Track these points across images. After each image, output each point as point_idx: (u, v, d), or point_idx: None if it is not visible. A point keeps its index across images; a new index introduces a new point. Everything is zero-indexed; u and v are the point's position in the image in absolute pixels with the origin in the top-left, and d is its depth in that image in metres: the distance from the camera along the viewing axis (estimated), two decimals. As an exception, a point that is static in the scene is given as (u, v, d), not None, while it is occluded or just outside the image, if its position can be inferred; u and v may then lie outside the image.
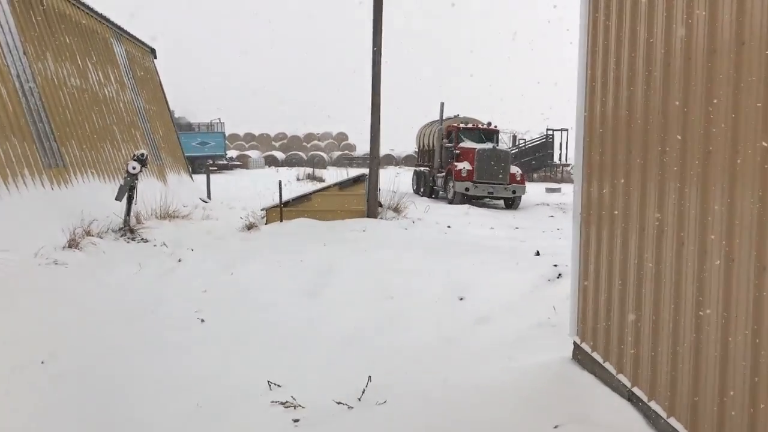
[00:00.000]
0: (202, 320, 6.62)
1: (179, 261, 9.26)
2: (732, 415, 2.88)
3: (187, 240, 11.36)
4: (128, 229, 11.02)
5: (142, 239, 10.90)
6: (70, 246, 9.26)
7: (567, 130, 41.72)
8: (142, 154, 10.97)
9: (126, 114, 16.41)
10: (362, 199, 13.59)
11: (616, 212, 4.07)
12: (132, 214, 11.42)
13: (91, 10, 15.58)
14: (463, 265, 8.28)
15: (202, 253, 9.99)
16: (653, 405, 3.58)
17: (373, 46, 13.62)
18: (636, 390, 3.81)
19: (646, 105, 3.70)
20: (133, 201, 11.28)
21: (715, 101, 3.00)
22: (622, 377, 4.00)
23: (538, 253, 8.97)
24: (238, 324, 6.52)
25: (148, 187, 14.77)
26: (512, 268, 7.68)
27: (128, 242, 10.66)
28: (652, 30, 3.62)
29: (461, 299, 6.75)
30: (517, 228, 14.37)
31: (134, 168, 10.75)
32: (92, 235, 10.13)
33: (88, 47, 14.80)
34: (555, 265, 7.19)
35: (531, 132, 44.26)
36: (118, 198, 10.95)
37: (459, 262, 8.58)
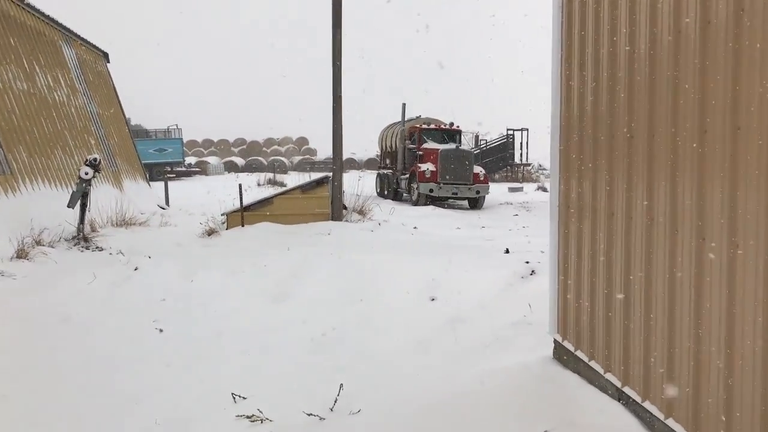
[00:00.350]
0: (161, 330, 6.25)
1: (136, 269, 8.83)
2: (738, 416, 2.67)
3: (144, 247, 10.89)
4: (82, 238, 10.53)
5: (96, 248, 10.41)
6: (18, 257, 8.77)
7: (527, 129, 42.10)
8: (95, 159, 10.49)
9: (78, 119, 15.81)
10: (326, 201, 13.28)
11: (598, 203, 3.87)
12: (86, 222, 10.92)
13: (38, 11, 14.96)
14: (432, 265, 8.04)
15: (160, 260, 9.55)
16: (648, 405, 3.36)
17: (333, 44, 13.33)
18: (627, 390, 3.59)
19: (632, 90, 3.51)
20: (87, 208, 10.78)
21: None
22: (610, 376, 3.78)
23: (507, 251, 8.78)
24: (199, 333, 6.17)
25: (103, 194, 14.23)
26: (483, 267, 7.46)
27: (82, 251, 10.17)
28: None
29: (433, 299, 6.51)
30: (483, 227, 14.22)
31: (87, 173, 10.26)
32: (43, 245, 9.64)
33: (35, 50, 14.19)
34: (527, 262, 7.01)
35: (491, 133, 44.54)
36: (70, 205, 10.45)
37: (428, 262, 8.33)
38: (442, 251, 9.47)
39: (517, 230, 13.56)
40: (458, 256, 8.71)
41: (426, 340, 5.44)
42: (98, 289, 7.78)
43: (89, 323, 6.37)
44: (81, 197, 10.54)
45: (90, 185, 10.60)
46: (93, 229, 11.75)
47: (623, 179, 3.54)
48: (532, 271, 6.60)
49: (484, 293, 6.29)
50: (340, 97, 13.48)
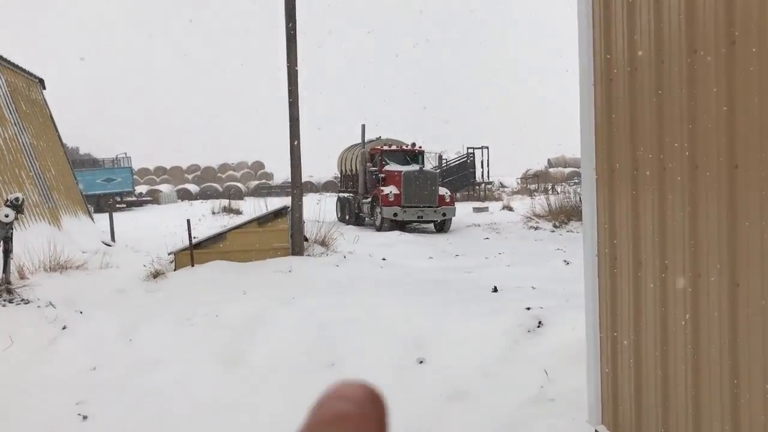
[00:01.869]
0: (84, 417, 5.00)
1: (64, 328, 7.53)
2: None
3: (79, 296, 9.56)
4: (5, 290, 9.13)
5: (22, 300, 9.02)
6: None
7: (487, 147, 41.52)
8: (17, 198, 9.14)
9: (7, 152, 14.34)
10: (285, 234, 12.09)
11: (672, 259, 2.81)
12: (10, 270, 9.53)
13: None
14: (413, 311, 6.94)
15: (95, 314, 8.25)
16: None
17: (288, 63, 12.24)
18: None
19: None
20: (10, 254, 9.40)
21: None
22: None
23: (495, 289, 7.74)
24: (133, 418, 4.94)
25: (36, 235, 12.80)
26: (474, 313, 6.38)
27: (4, 305, 8.77)
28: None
29: (421, 362, 5.38)
30: (457, 255, 13.20)
31: (7, 216, 8.91)
32: (-45, 301, 8.26)
33: (-45, 77, 12.77)
34: (528, 308, 5.94)
35: (448, 151, 43.89)
36: (-12, 253, 9.07)
37: (406, 305, 7.24)
38: (419, 290, 8.39)
39: (494, 258, 12.57)
40: (440, 297, 7.64)
41: (422, 429, 4.30)
42: (14, 358, 6.47)
43: (-6, 412, 5.08)
44: (2, 243, 9.17)
45: (12, 228, 9.24)
46: (21, 276, 10.33)
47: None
48: (539, 323, 5.53)
49: (485, 354, 5.20)
50: (297, 119, 12.37)
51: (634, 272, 3.07)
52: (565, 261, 10.98)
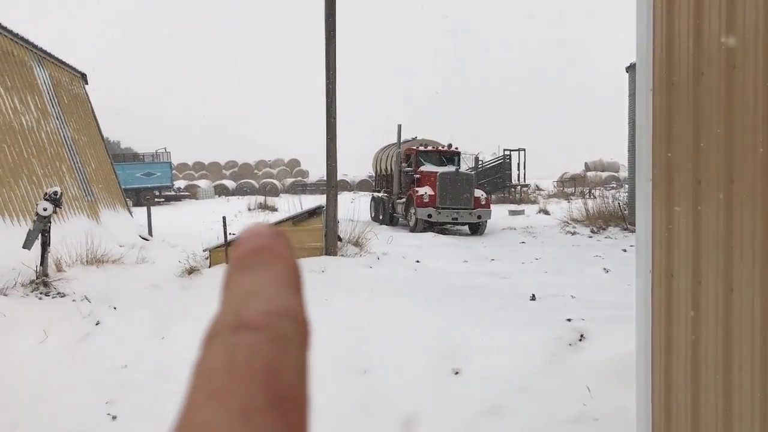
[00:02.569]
0: (114, 417, 4.94)
1: (97, 324, 7.52)
2: None
3: (114, 291, 9.61)
4: (41, 282, 9.19)
5: (58, 293, 9.09)
6: (-41, 310, 7.46)
7: (524, 149, 41.09)
8: (55, 193, 9.20)
9: (49, 145, 14.53)
10: (319, 234, 12.00)
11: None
12: (48, 263, 9.60)
13: (6, 30, 13.74)
14: (447, 316, 6.77)
15: (128, 310, 8.25)
16: None
17: (327, 61, 12.14)
18: None
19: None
20: (48, 248, 9.47)
21: None
22: None
23: (533, 297, 7.52)
24: (162, 419, 4.85)
25: (74, 228, 12.93)
26: (511, 322, 6.19)
27: (40, 299, 8.85)
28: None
29: (456, 373, 5.19)
30: (492, 260, 12.96)
31: (45, 209, 8.97)
32: (-7, 293, 8.32)
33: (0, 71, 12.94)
34: (568, 320, 5.73)
35: (484, 152, 43.52)
36: (26, 246, 9.14)
37: (441, 312, 7.07)
38: (453, 295, 8.22)
39: (530, 263, 12.31)
40: (475, 303, 7.46)
41: (458, 444, 4.14)
42: (46, 353, 6.47)
43: (22, 407, 5.05)
44: (41, 236, 9.24)
45: (50, 222, 9.30)
46: (59, 269, 10.43)
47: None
48: (581, 336, 5.32)
49: (523, 367, 5.00)
50: (335, 118, 12.26)
51: (693, 291, 2.86)
52: (604, 269, 10.69)
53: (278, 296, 0.35)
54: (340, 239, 12.57)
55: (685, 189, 2.92)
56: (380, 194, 25.67)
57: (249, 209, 32.69)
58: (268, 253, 0.38)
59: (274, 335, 0.32)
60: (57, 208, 9.36)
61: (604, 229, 18.97)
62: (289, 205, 17.90)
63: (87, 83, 19.79)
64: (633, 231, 18.33)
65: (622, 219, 19.41)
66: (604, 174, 58.31)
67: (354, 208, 18.75)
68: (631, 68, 19.45)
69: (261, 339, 0.32)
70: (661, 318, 3.13)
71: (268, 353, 0.32)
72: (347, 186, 58.47)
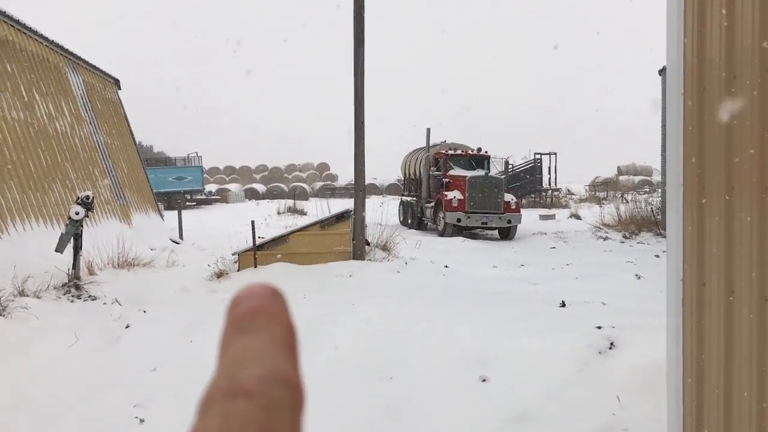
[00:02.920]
0: (141, 420, 4.98)
1: (127, 327, 7.60)
2: None
3: (144, 294, 9.72)
4: (73, 285, 9.33)
5: (89, 296, 9.22)
6: (-7, 312, 7.59)
7: (555, 154, 40.69)
8: (87, 197, 9.34)
9: (82, 150, 14.78)
10: (347, 238, 12.00)
11: None
12: (79, 266, 9.75)
13: (42, 37, 14.02)
14: (474, 323, 6.71)
15: (158, 313, 8.33)
16: None
17: (355, 65, 12.15)
18: None
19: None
20: (80, 251, 9.62)
21: None
22: None
23: (563, 304, 7.42)
24: (190, 424, 4.88)
25: (105, 231, 13.14)
26: (540, 329, 6.10)
27: (72, 301, 8.99)
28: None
29: (484, 380, 5.13)
30: (522, 265, 12.83)
31: (77, 213, 9.11)
32: (27, 296, 8.45)
33: (36, 77, 13.21)
34: (598, 327, 5.62)
35: (514, 156, 43.20)
36: (59, 249, 9.29)
37: (468, 318, 7.00)
38: (482, 301, 8.14)
39: (561, 269, 12.17)
40: (504, 309, 7.38)
41: (484, 454, 4.09)
42: (77, 355, 6.55)
43: (53, 408, 5.12)
44: (73, 239, 9.39)
45: (82, 226, 9.44)
46: (91, 272, 10.59)
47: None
48: (611, 344, 5.21)
49: (552, 376, 4.92)
50: (363, 122, 12.26)
51: (726, 301, 2.78)
52: (636, 275, 10.50)
53: (273, 361, 0.35)
54: (368, 243, 12.55)
55: (717, 195, 2.84)
56: (409, 198, 25.64)
57: (278, 213, 32.85)
58: (265, 315, 0.38)
59: (267, 402, 0.33)
60: (89, 212, 9.50)
61: (636, 235, 18.68)
62: (318, 209, 17.99)
63: (120, 88, 20.11)
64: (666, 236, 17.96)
65: (656, 224, 19.10)
66: (637, 178, 57.52)
67: (382, 211, 18.75)
68: (663, 71, 19.14)
69: (254, 406, 0.33)
70: (693, 328, 3.05)
71: (261, 420, 0.32)
72: (376, 189, 58.57)
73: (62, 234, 9.34)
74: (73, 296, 9.07)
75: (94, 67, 17.64)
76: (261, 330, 0.37)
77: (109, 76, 19.22)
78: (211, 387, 0.34)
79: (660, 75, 20.04)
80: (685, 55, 3.02)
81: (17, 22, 12.77)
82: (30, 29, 13.46)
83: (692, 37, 2.99)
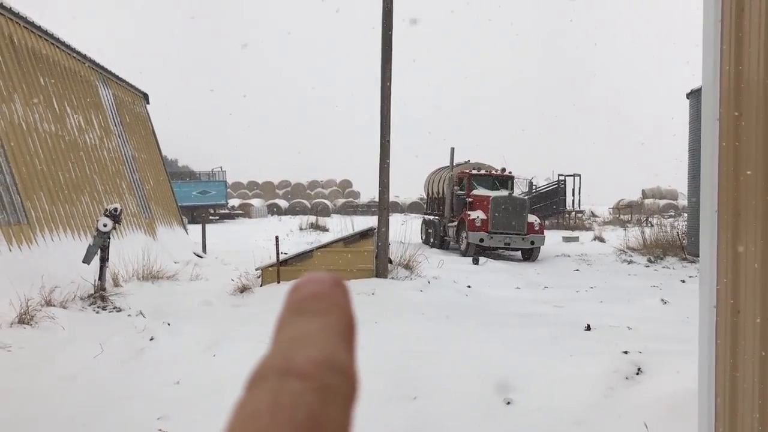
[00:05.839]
0: (165, 433, 4.99)
1: (151, 339, 7.64)
2: None
3: (168, 307, 9.80)
4: (99, 296, 9.43)
5: (114, 308, 9.31)
6: (21, 321, 7.68)
7: (579, 175, 40.43)
8: (115, 209, 9.46)
9: (110, 163, 15.00)
10: (370, 256, 12.01)
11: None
12: (105, 278, 9.85)
13: (73, 50, 14.30)
14: (497, 344, 6.66)
15: (181, 326, 8.37)
16: None
17: (382, 80, 12.21)
18: None
19: None
20: (106, 263, 9.72)
21: None
22: None
23: (588, 328, 7.34)
24: (213, 438, 4.88)
25: (131, 244, 13.28)
26: (565, 353, 6.04)
27: (97, 312, 9.08)
28: None
29: (508, 403, 5.07)
30: (546, 287, 12.73)
31: (105, 225, 9.23)
32: (53, 305, 8.57)
33: (67, 90, 13.46)
34: (625, 352, 5.55)
35: (537, 177, 43.04)
36: (86, 261, 9.40)
37: (491, 338, 6.96)
38: (505, 322, 8.09)
39: (585, 292, 12.06)
40: (527, 331, 7.32)
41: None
42: (103, 366, 6.60)
43: (77, 419, 5.15)
44: (100, 251, 9.50)
45: (109, 238, 9.55)
46: (116, 284, 10.70)
47: None
48: (638, 369, 5.14)
49: (577, 400, 4.86)
50: (388, 141, 12.31)
51: (762, 329, 2.74)
52: (662, 300, 10.37)
53: (330, 346, 0.34)
54: (390, 262, 12.55)
55: (753, 222, 2.81)
56: (431, 217, 25.61)
57: (300, 229, 33.00)
58: (326, 300, 0.37)
59: (320, 386, 0.32)
60: (116, 225, 9.61)
61: (661, 259, 18.47)
62: (340, 226, 18.03)
63: (149, 102, 20.41)
64: (692, 261, 17.77)
65: (681, 249, 18.87)
66: (662, 202, 56.95)
67: (405, 230, 18.74)
68: (692, 94, 18.99)
69: (307, 388, 0.32)
70: (726, 356, 2.99)
71: (312, 404, 0.31)
72: (398, 208, 58.60)
73: (89, 245, 9.45)
74: (98, 307, 9.16)
75: (123, 80, 17.93)
76: (320, 315, 0.36)
77: (138, 90, 19.52)
78: (262, 363, 0.33)
79: (687, 98, 19.89)
80: (721, 80, 3.00)
81: (51, 36, 13.05)
82: (62, 42, 13.73)
83: (729, 62, 2.97)
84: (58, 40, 13.41)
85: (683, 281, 13.71)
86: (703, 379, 3.18)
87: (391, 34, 12.19)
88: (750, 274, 2.83)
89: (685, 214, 26.61)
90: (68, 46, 13.99)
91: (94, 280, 9.57)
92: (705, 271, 3.15)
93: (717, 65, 3.06)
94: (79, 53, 14.54)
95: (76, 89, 14.03)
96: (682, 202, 46.64)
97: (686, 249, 18.58)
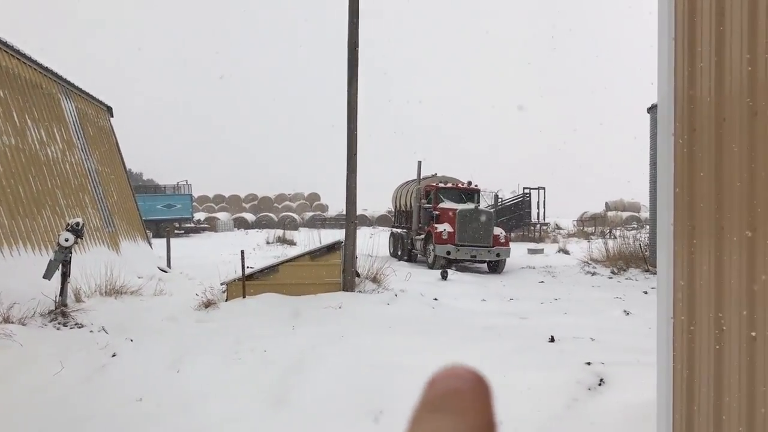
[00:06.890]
0: (126, 452, 4.91)
1: (113, 356, 7.52)
2: None
3: (131, 322, 9.65)
4: (60, 312, 9.24)
5: (76, 324, 9.13)
6: (-24, 339, 7.49)
7: (544, 188, 40.97)
8: (77, 224, 9.30)
9: (73, 176, 14.75)
10: (337, 269, 11.98)
11: None
12: (67, 293, 9.67)
13: (35, 63, 14.07)
14: (464, 356, 6.68)
15: (144, 342, 8.26)
16: None
17: (348, 98, 12.25)
18: None
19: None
20: (68, 278, 9.55)
21: None
22: None
23: (552, 339, 7.42)
24: (176, 457, 4.82)
25: (94, 258, 13.06)
26: (529, 364, 6.10)
27: (58, 329, 8.89)
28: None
29: (473, 415, 5.10)
30: (511, 299, 12.84)
31: (67, 240, 9.07)
32: (11, 322, 8.36)
33: (28, 102, 13.23)
34: (588, 363, 5.63)
35: (503, 190, 43.56)
36: (47, 276, 9.22)
37: (459, 352, 7.00)
38: (471, 335, 8.14)
39: (550, 303, 12.18)
40: (493, 344, 7.37)
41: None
42: (62, 384, 6.46)
43: (38, 440, 5.04)
44: (61, 266, 9.32)
45: (71, 253, 9.39)
46: (78, 300, 10.51)
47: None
48: (601, 380, 5.21)
49: (541, 412, 4.90)
50: (355, 154, 12.33)
51: (716, 339, 2.81)
52: (625, 311, 10.54)
53: None
54: (357, 275, 12.54)
55: (708, 235, 2.89)
56: (399, 230, 25.69)
57: (267, 242, 32.79)
58: (464, 400, 0.36)
59: None
60: (78, 239, 9.46)
61: (624, 270, 18.77)
62: (308, 239, 17.97)
63: (112, 116, 20.15)
64: (654, 273, 18.08)
65: (644, 260, 19.21)
66: (625, 214, 57.94)
67: (373, 243, 18.75)
68: (652, 109, 19.42)
69: None
70: (683, 367, 3.06)
71: None
72: (366, 221, 58.60)
73: (51, 260, 9.28)
74: (59, 324, 8.98)
75: (86, 93, 17.68)
76: (456, 416, 0.35)
77: (102, 103, 19.26)
78: None
79: (648, 113, 20.32)
80: (676, 97, 3.09)
81: (11, 47, 12.83)
82: (24, 55, 13.51)
83: (683, 79, 3.05)
84: (18, 51, 13.19)
85: (645, 292, 13.94)
86: (662, 390, 3.25)
87: (357, 51, 12.25)
88: (705, 287, 2.90)
89: (648, 227, 27.10)
90: (29, 58, 13.76)
91: (55, 296, 9.38)
92: (662, 284, 3.22)
93: (671, 83, 3.15)
94: (40, 65, 14.31)
95: (38, 102, 13.80)
96: (645, 214, 47.53)
97: (648, 261, 18.91)
